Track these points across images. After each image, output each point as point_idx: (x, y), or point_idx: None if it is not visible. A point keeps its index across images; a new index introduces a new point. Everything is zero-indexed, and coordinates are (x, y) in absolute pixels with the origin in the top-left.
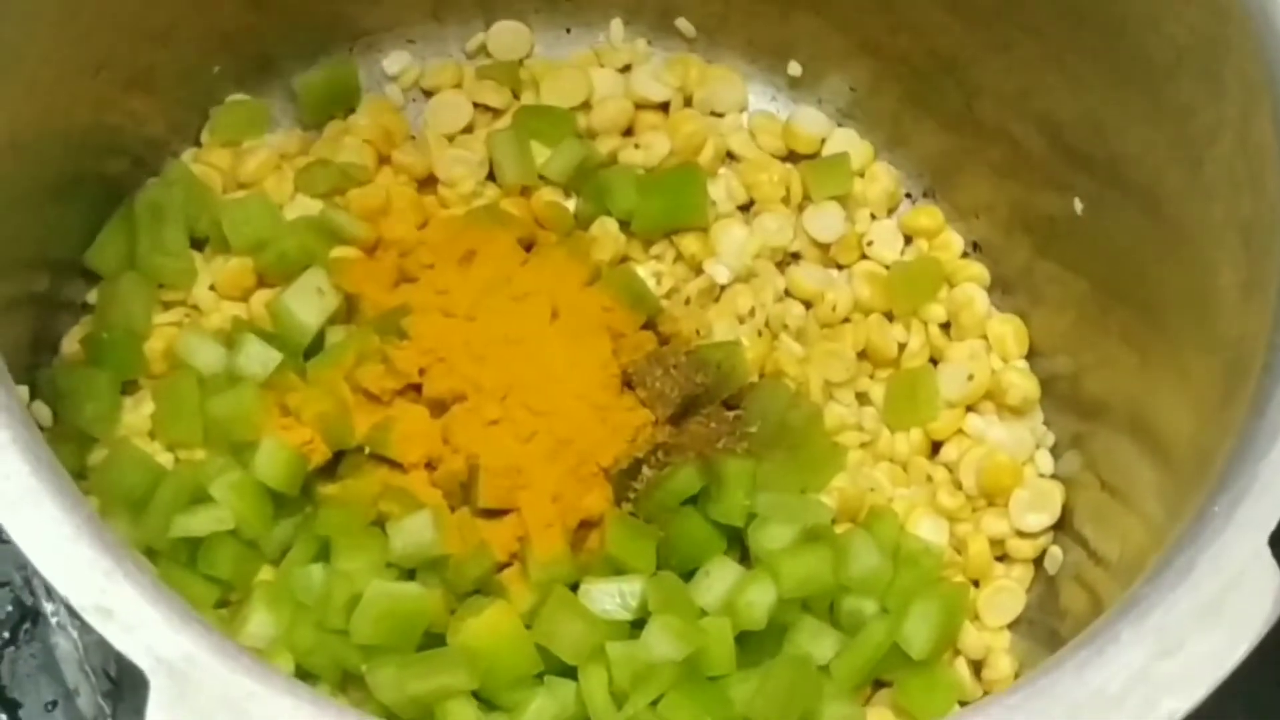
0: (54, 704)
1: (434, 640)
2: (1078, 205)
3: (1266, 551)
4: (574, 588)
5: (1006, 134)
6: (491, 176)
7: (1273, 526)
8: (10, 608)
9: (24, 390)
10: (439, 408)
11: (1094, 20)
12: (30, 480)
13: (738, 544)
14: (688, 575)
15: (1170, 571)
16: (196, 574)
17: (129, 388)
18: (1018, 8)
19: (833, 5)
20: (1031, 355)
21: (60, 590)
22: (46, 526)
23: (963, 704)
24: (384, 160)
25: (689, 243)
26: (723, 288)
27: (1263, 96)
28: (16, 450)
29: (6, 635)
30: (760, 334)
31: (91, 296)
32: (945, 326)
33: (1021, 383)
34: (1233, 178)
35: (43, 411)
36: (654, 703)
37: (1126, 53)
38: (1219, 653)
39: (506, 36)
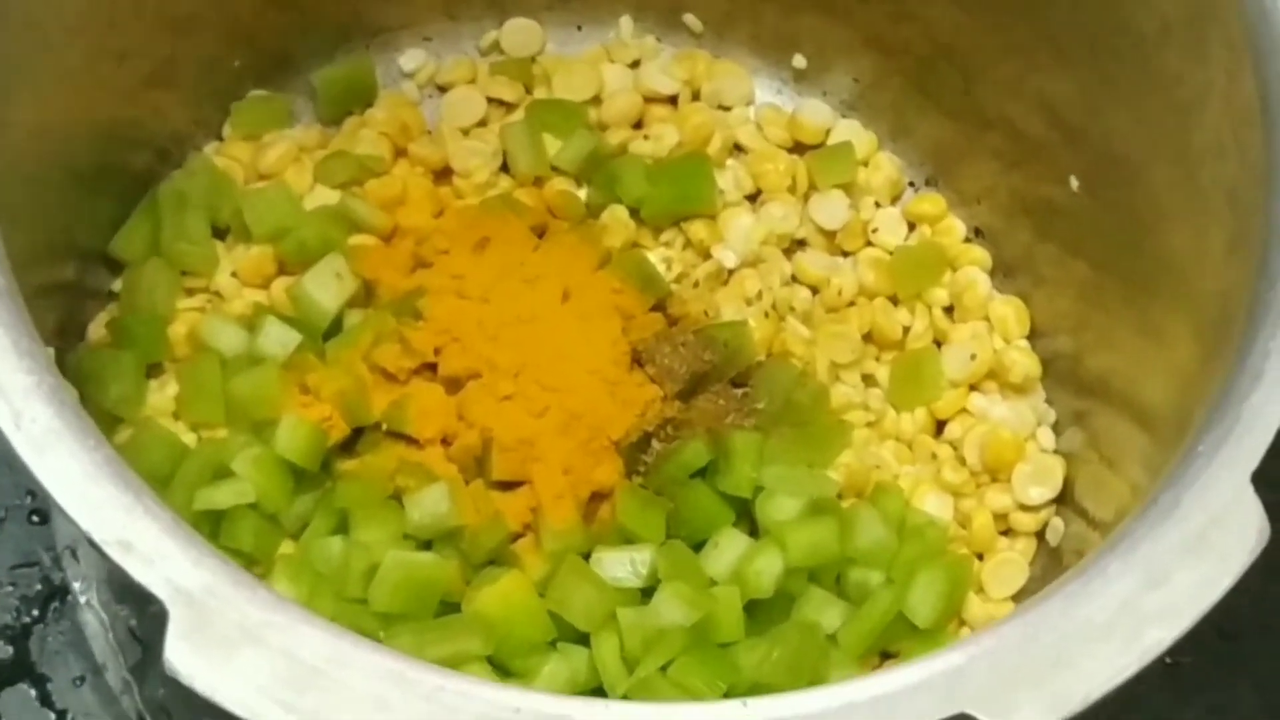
0: (82, 679)
1: (450, 609)
2: (1073, 183)
3: (1249, 488)
4: (586, 557)
5: (1005, 118)
6: (505, 168)
7: (1255, 464)
8: (39, 586)
9: (50, 351)
10: (454, 385)
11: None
12: (54, 422)
13: (746, 517)
14: (697, 547)
15: (1157, 508)
16: (220, 547)
17: (153, 371)
18: None
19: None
20: (1033, 335)
21: (83, 525)
22: (69, 465)
23: None
24: (400, 153)
25: (697, 229)
26: (730, 272)
27: (1245, 60)
28: (41, 395)
29: (35, 613)
30: (767, 315)
31: (116, 285)
32: (949, 310)
33: (1023, 361)
34: (1219, 142)
35: (70, 395)
36: (664, 668)
37: (1116, 27)
38: (1204, 585)
39: (519, 33)
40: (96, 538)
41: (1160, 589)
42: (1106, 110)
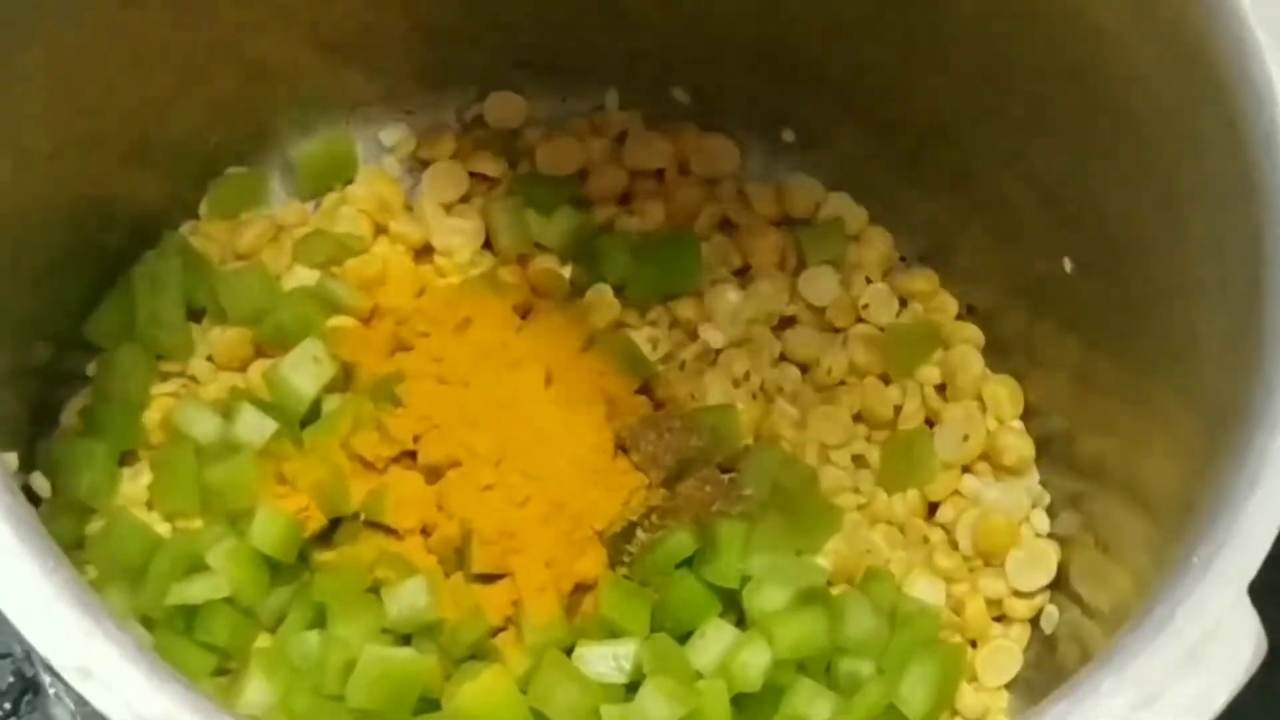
0: None
1: (430, 705)
2: (1067, 265)
3: (1245, 600)
4: (569, 651)
5: (999, 196)
6: (488, 245)
7: (1251, 575)
8: (12, 678)
9: (11, 457)
10: (433, 474)
11: (1079, 81)
12: (13, 543)
13: (733, 606)
14: (683, 638)
15: (1150, 621)
16: (194, 642)
17: (127, 458)
18: (1006, 71)
19: (825, 74)
20: (1027, 415)
21: (41, 651)
22: (27, 588)
23: None
24: (381, 230)
25: (684, 308)
26: (718, 352)
27: (1241, 152)
28: None
29: (8, 706)
30: (755, 397)
31: (92, 368)
32: (941, 388)
33: (1017, 443)
34: (1214, 232)
35: (42, 483)
36: None
37: (1111, 112)
38: (1199, 702)
39: (502, 106)
40: (55, 664)
41: (1154, 707)
42: (1101, 194)
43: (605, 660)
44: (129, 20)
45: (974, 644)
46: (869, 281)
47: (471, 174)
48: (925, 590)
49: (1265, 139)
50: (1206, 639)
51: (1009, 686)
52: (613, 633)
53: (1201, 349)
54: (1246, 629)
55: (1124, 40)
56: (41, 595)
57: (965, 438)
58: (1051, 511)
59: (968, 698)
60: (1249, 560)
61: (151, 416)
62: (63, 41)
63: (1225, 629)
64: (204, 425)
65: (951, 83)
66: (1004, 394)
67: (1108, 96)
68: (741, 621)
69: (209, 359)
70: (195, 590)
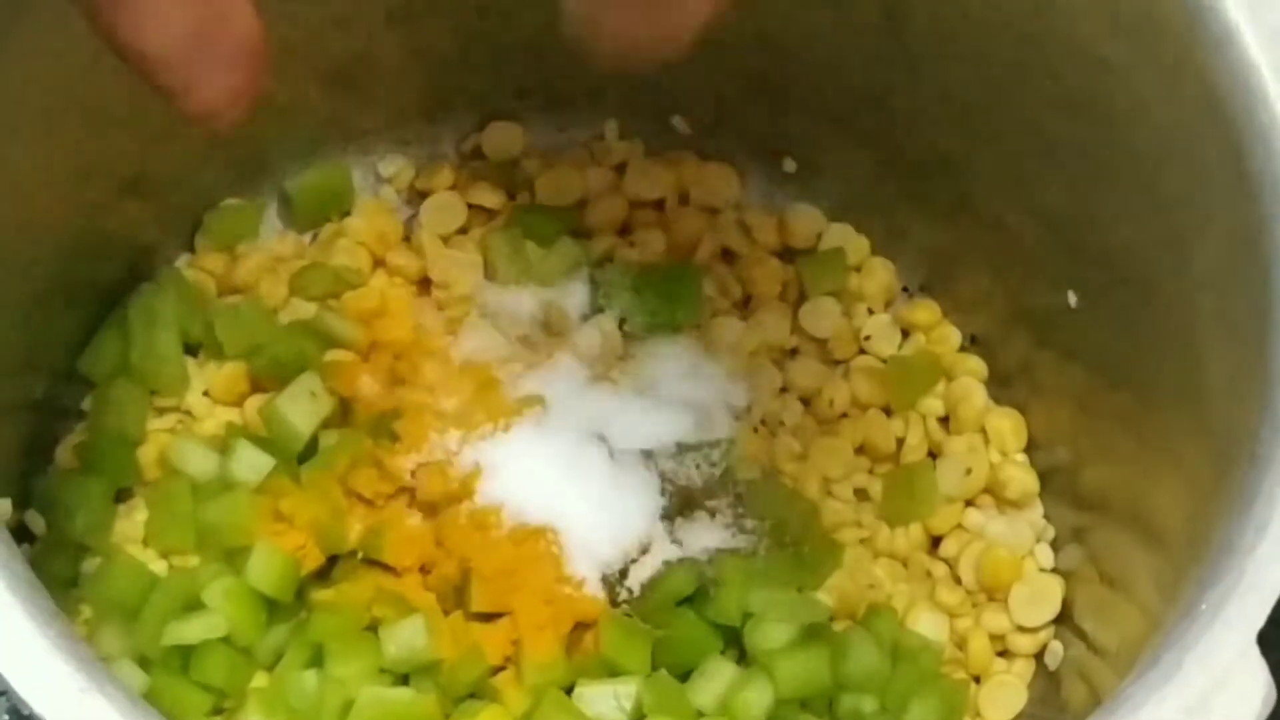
0: None
1: None
2: (1071, 298)
3: (1254, 650)
4: (569, 690)
5: (1001, 227)
6: (487, 276)
7: (1260, 623)
8: (6, 716)
9: (6, 503)
10: (432, 510)
11: (1083, 114)
12: (6, 595)
13: (734, 643)
14: (684, 675)
15: (1158, 670)
16: (190, 682)
17: (122, 494)
18: (1008, 102)
19: (826, 102)
20: (1030, 448)
21: (35, 707)
22: (21, 642)
23: None
24: (379, 262)
25: (686, 340)
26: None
27: (1246, 188)
28: None
29: None
30: (756, 430)
31: (88, 403)
32: (944, 420)
33: (1020, 476)
34: (1220, 268)
35: (37, 521)
36: None
37: (1115, 145)
38: None
39: (501, 137)
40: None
41: None
42: (1106, 226)
43: (606, 699)
44: None
45: (977, 680)
46: (871, 312)
47: (470, 205)
48: (928, 625)
49: (1272, 180)
50: (1215, 688)
51: None
52: (613, 671)
53: (1208, 384)
54: (1256, 678)
55: (1129, 75)
56: (35, 649)
57: (968, 471)
58: (1056, 545)
59: None
60: (1258, 608)
61: (147, 453)
62: (55, 72)
63: (1234, 678)
64: (200, 462)
65: (954, 113)
66: (1007, 426)
67: (1112, 129)
68: (743, 658)
69: (205, 394)
70: (192, 630)
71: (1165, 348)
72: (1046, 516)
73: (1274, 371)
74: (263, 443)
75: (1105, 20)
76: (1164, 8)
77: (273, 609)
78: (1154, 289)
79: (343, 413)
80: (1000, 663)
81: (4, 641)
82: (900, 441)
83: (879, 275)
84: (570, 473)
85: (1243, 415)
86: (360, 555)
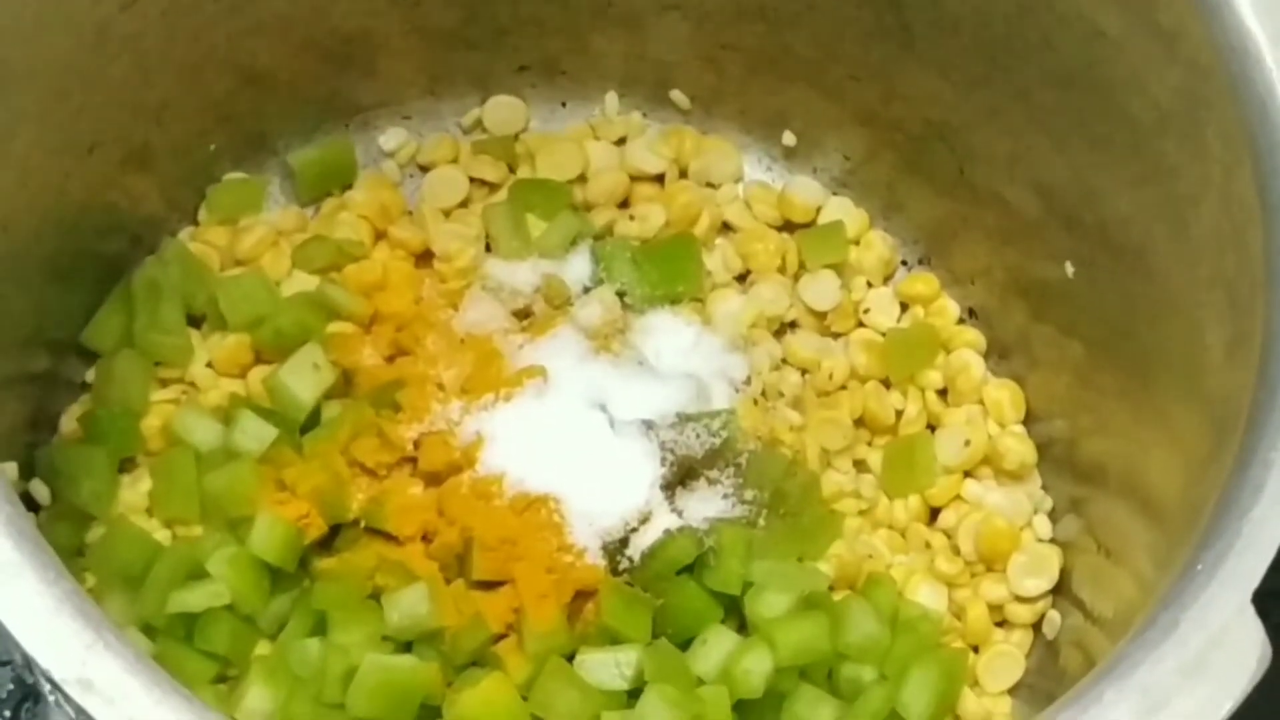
0: None
1: (430, 712)
2: (1069, 269)
3: (1249, 608)
4: (570, 658)
5: (999, 199)
6: (489, 249)
7: (1256, 583)
8: (12, 686)
9: (11, 466)
10: (434, 479)
11: (1079, 84)
12: (13, 554)
13: (735, 612)
14: (685, 644)
15: (1155, 629)
16: (194, 650)
17: (126, 465)
18: (1005, 74)
19: (825, 76)
20: (1028, 419)
21: (41, 663)
22: (28, 600)
23: None
24: (380, 235)
25: (686, 313)
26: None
27: (1244, 155)
28: None
29: (8, 714)
30: (756, 402)
31: (90, 375)
32: (942, 392)
33: (1018, 448)
34: (1217, 236)
35: (41, 490)
36: None
37: (1112, 116)
38: (1204, 710)
39: (502, 111)
40: (56, 676)
41: (1158, 715)
42: (1103, 197)
43: (606, 667)
44: (127, 27)
45: (976, 649)
46: (870, 285)
47: (471, 179)
48: (927, 595)
49: (1269, 147)
50: (1211, 646)
51: (1011, 692)
52: (614, 639)
53: (1205, 355)
54: (1251, 637)
55: (1125, 44)
56: (42, 607)
57: (967, 442)
58: (1054, 516)
59: (970, 703)
60: (1254, 567)
61: (151, 423)
62: (61, 48)
63: (1230, 637)
64: (204, 432)
65: (951, 86)
66: (1005, 398)
67: (1108, 99)
68: (743, 627)
69: (209, 365)
70: (195, 598)
71: (1163, 319)
72: (1044, 488)
73: (1272, 341)
74: (266, 413)
75: None
76: None
77: (276, 578)
78: (1151, 259)
79: (345, 383)
80: (999, 632)
81: (12, 600)
82: (899, 413)
83: (878, 249)
84: (571, 443)
85: (1240, 384)
86: (363, 524)
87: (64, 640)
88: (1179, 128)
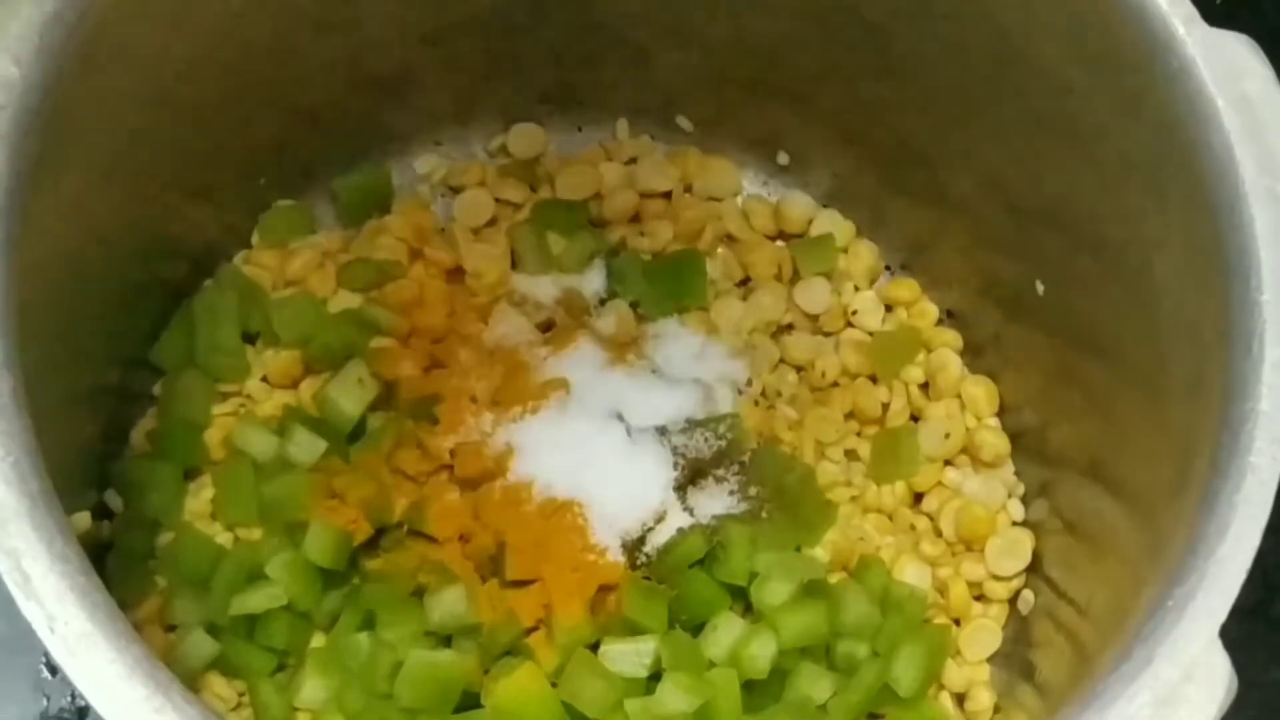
0: None
1: (470, 698)
2: (1039, 287)
3: (1217, 641)
4: (594, 647)
5: (974, 216)
6: (514, 266)
7: (1224, 617)
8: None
9: (83, 516)
10: (470, 484)
11: (1050, 129)
12: (86, 625)
13: (741, 596)
14: (697, 629)
15: (1131, 663)
16: (256, 645)
17: (191, 474)
18: (980, 114)
19: (815, 105)
20: (1002, 411)
21: None
22: (102, 668)
23: None
24: (416, 254)
25: (693, 320)
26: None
27: (1204, 210)
28: (74, 598)
29: None
30: (757, 403)
31: (158, 388)
32: (924, 387)
33: (993, 441)
34: (1179, 279)
35: (115, 500)
36: None
37: (1081, 158)
38: None
39: (524, 137)
40: None
41: None
42: (1071, 227)
43: (628, 657)
44: (189, 87)
45: (957, 622)
46: (857, 290)
47: (497, 200)
48: (913, 574)
49: (1228, 206)
50: (1184, 680)
51: (990, 660)
52: (634, 630)
53: (1167, 393)
54: (1220, 668)
55: (1092, 99)
56: (115, 673)
57: (947, 435)
58: (1025, 500)
59: (953, 672)
60: (1221, 603)
61: (213, 435)
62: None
63: (1200, 669)
64: (261, 444)
65: (931, 121)
66: (981, 393)
67: (1077, 145)
68: (749, 613)
69: (263, 379)
70: (256, 600)
71: (1126, 351)
72: (1017, 473)
73: (1233, 379)
74: (316, 425)
75: (1069, 48)
76: (1124, 41)
77: (328, 577)
78: (1115, 290)
79: (387, 395)
80: (978, 607)
81: (88, 669)
82: (885, 407)
83: (864, 256)
84: (592, 451)
85: (1203, 420)
86: (405, 527)
87: (135, 705)
88: (1143, 177)
